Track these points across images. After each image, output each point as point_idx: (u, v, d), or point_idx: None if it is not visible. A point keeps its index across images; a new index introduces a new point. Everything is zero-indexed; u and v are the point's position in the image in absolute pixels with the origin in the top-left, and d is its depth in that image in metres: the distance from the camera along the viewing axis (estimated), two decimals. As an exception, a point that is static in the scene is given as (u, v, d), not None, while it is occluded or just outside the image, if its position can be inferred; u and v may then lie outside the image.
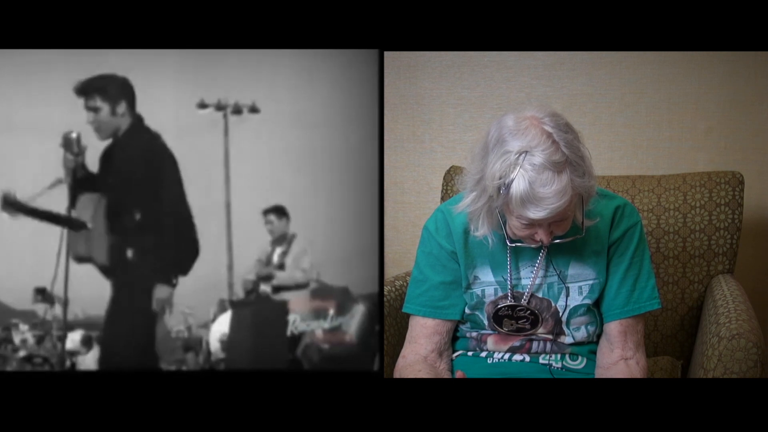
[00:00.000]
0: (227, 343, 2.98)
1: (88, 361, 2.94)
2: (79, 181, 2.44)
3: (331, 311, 2.99)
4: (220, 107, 3.54)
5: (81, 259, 2.47)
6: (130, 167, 2.42)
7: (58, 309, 2.93)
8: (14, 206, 2.44)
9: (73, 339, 3.01)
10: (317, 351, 2.91)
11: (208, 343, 3.18)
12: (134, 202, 2.42)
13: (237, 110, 3.56)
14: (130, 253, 2.40)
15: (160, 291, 2.41)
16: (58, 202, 2.50)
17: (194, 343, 3.18)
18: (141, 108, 2.52)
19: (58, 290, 2.52)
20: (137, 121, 2.45)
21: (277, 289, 3.18)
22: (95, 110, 2.41)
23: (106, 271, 2.45)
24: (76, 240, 2.47)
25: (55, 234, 2.69)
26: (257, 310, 3.02)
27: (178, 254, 2.45)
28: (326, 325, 2.96)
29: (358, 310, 2.94)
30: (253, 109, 3.53)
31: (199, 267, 2.99)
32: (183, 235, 2.46)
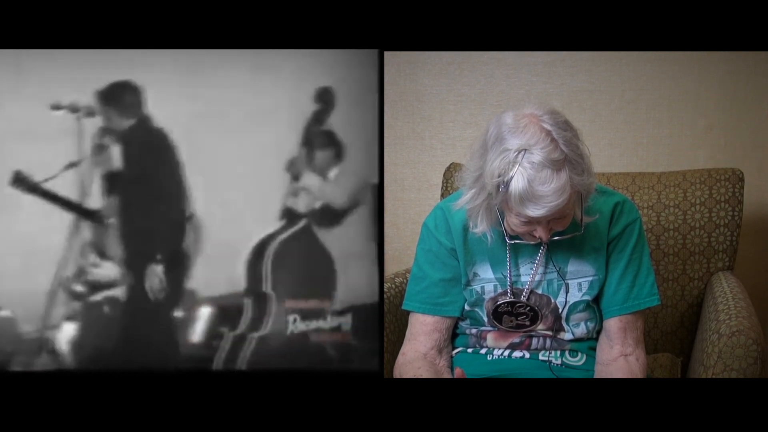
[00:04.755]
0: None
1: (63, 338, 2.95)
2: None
3: (330, 310, 2.99)
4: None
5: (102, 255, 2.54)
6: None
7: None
8: (25, 184, 2.50)
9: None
10: (316, 350, 2.90)
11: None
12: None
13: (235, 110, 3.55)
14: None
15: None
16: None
17: None
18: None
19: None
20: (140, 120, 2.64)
21: None
22: (108, 119, 2.66)
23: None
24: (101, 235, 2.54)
25: (55, 232, 2.69)
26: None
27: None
28: (325, 324, 2.96)
29: (353, 308, 2.93)
30: (252, 108, 3.53)
31: (194, 268, 2.99)
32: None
